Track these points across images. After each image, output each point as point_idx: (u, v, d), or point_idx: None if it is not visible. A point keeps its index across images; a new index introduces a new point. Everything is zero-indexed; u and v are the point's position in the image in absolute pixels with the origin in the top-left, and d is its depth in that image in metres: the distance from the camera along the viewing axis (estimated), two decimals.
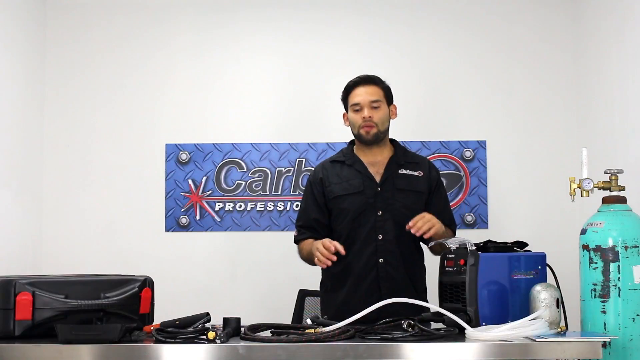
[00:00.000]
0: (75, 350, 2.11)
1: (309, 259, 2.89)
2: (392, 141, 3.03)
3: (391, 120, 2.99)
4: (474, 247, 2.47)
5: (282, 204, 3.94)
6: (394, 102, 3.01)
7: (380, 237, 2.86)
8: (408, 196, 2.91)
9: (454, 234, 2.96)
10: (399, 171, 2.94)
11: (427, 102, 3.91)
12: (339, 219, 2.93)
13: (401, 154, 2.99)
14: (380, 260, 2.85)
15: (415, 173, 2.95)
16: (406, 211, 2.88)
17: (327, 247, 2.66)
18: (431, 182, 2.97)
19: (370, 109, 2.91)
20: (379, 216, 2.88)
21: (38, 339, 2.20)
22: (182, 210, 3.95)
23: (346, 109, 3.01)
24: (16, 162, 3.67)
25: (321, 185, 2.98)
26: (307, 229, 2.98)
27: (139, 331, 2.21)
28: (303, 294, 3.33)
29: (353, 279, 2.87)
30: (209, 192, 3.96)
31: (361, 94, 2.93)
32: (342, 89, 3.01)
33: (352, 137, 3.10)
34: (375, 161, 2.96)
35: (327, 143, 3.95)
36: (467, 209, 3.90)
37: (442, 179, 3.11)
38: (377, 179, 2.92)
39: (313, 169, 3.17)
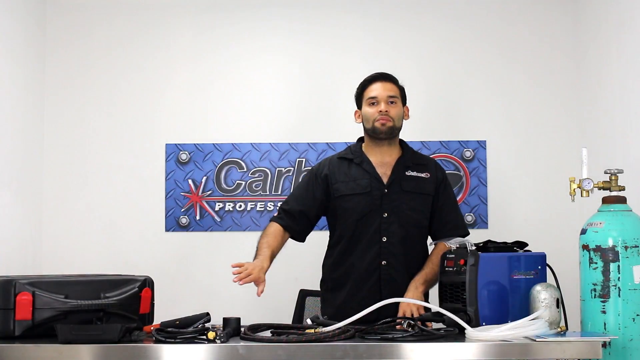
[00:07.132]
0: (75, 350, 2.12)
1: (258, 246, 2.83)
2: (400, 142, 3.00)
3: (403, 121, 2.98)
4: (474, 247, 2.47)
5: None
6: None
7: (385, 239, 2.84)
8: (415, 198, 2.89)
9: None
10: (406, 173, 2.91)
11: (427, 102, 3.90)
12: (342, 218, 2.90)
13: (409, 156, 2.97)
14: (383, 262, 2.83)
15: (422, 175, 2.93)
16: (413, 213, 2.88)
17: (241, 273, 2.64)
18: (437, 183, 2.94)
19: (387, 103, 2.89)
20: (385, 218, 2.86)
21: (38, 339, 2.20)
22: (182, 210, 3.95)
23: (359, 105, 2.98)
24: (16, 162, 3.66)
25: (325, 181, 2.94)
26: (288, 214, 2.92)
27: (139, 331, 2.21)
28: (303, 294, 3.33)
29: (354, 280, 2.85)
30: (209, 192, 3.95)
31: (378, 89, 2.92)
32: (357, 86, 2.99)
33: (354, 138, 3.10)
34: (384, 161, 2.93)
35: (327, 143, 3.94)
36: (467, 209, 3.90)
37: None
38: (385, 180, 2.90)
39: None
